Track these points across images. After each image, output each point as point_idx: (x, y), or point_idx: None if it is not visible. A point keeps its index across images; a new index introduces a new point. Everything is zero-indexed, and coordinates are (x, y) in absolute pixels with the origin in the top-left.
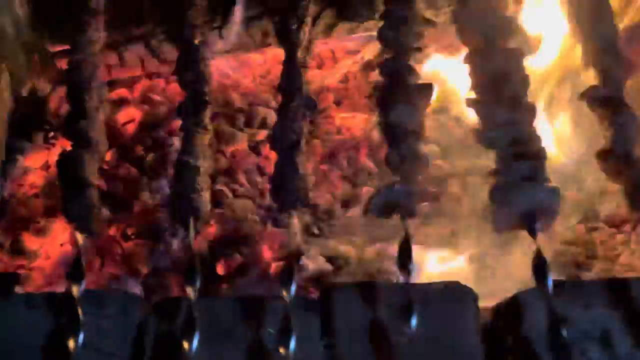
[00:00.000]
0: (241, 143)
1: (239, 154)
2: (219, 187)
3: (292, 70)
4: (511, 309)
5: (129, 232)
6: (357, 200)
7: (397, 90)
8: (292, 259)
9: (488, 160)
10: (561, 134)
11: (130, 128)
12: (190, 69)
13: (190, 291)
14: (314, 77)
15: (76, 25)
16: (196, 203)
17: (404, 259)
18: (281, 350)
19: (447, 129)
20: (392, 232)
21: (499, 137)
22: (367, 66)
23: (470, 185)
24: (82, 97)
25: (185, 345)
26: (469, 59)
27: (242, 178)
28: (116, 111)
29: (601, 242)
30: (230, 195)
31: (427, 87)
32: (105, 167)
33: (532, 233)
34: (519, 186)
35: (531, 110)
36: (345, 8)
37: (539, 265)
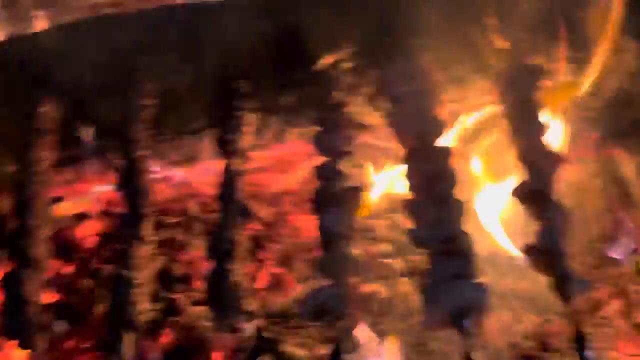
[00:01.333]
0: (197, 250)
1: (195, 261)
2: (175, 295)
3: (228, 179)
4: None
5: (85, 345)
6: None
7: (328, 195)
8: None
9: None
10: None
11: (90, 241)
12: (131, 182)
13: None
14: (273, 182)
15: (21, 146)
16: (130, 316)
17: None
18: None
19: (400, 228)
20: None
21: (429, 236)
22: None
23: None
24: (25, 216)
25: None
26: (404, 160)
27: (199, 285)
28: (76, 225)
29: (555, 334)
30: (186, 302)
31: (355, 190)
32: (65, 279)
33: (461, 331)
34: (448, 284)
35: (459, 208)
36: (293, 115)
37: None
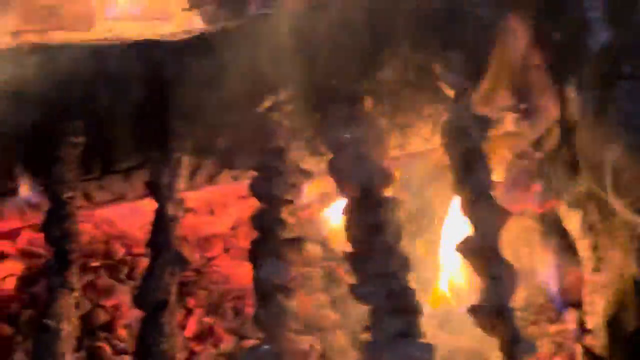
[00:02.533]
0: (123, 296)
1: (120, 307)
2: (97, 343)
3: (161, 225)
4: None
5: None
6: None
7: (267, 244)
8: None
9: None
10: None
11: (9, 283)
12: (57, 225)
13: None
14: (203, 225)
15: None
16: None
17: None
18: None
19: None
20: None
21: (372, 291)
22: None
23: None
24: None
25: None
26: (345, 211)
27: (123, 333)
28: None
29: None
30: (109, 351)
31: (297, 241)
32: None
33: None
34: (392, 342)
35: (404, 262)
36: (227, 159)
37: None
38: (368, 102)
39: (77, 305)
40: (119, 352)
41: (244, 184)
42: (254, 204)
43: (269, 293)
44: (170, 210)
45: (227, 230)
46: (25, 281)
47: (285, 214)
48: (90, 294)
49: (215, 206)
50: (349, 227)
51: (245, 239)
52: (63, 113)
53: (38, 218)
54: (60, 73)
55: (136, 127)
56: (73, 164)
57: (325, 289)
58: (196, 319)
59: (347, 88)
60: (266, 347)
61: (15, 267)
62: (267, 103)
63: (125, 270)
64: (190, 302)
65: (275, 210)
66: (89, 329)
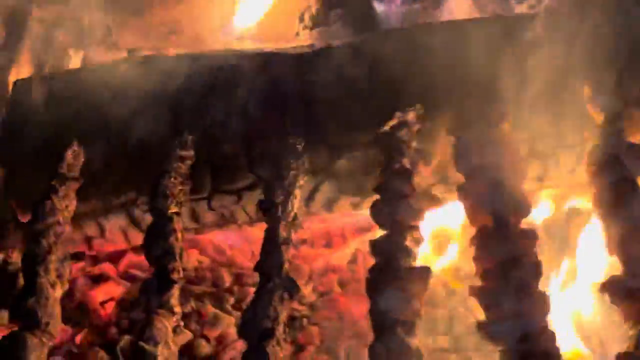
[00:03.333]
0: (228, 327)
1: (225, 340)
2: None
3: (271, 247)
4: None
5: None
6: None
7: (388, 274)
8: None
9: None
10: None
11: (108, 307)
12: (159, 241)
13: None
14: (319, 257)
15: (41, 192)
16: None
17: None
18: None
19: (459, 318)
20: None
21: (506, 332)
22: None
23: None
24: (34, 272)
25: None
26: (475, 241)
27: None
28: (94, 287)
29: None
30: None
31: (424, 271)
32: (74, 349)
33: None
34: None
35: (543, 301)
36: (346, 181)
37: None
38: (506, 127)
39: (175, 330)
40: None
41: (364, 214)
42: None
43: (388, 327)
44: (283, 231)
45: (344, 265)
46: (125, 306)
47: (409, 241)
48: (194, 324)
49: (332, 238)
50: (479, 259)
51: (363, 274)
52: (173, 127)
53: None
54: (173, 85)
55: (250, 144)
56: (180, 178)
57: (447, 332)
58: (307, 358)
59: (485, 108)
60: None
61: (115, 291)
62: (393, 122)
63: (232, 300)
64: (301, 338)
65: (398, 237)
66: None
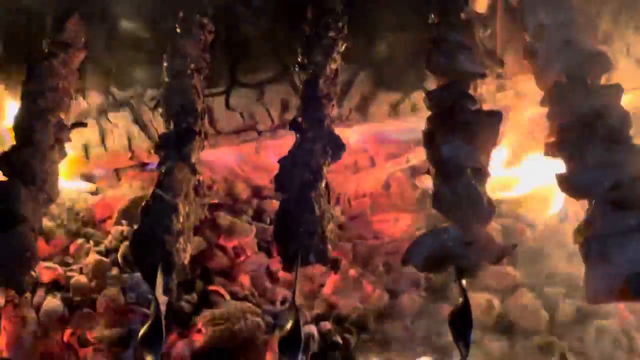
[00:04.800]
0: (246, 237)
1: (243, 252)
2: (213, 288)
3: (311, 100)
4: None
5: (89, 337)
6: (394, 313)
7: (452, 119)
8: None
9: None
10: None
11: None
12: (177, 97)
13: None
14: (349, 182)
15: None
16: (168, 246)
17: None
18: None
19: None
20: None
21: (594, 181)
22: (413, 171)
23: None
24: (31, 127)
25: None
26: (548, 98)
27: (244, 281)
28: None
29: None
30: (227, 297)
31: (494, 116)
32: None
33: None
34: (622, 240)
35: (635, 151)
36: (385, 71)
37: None
38: None
39: (196, 190)
40: (238, 299)
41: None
42: (404, 164)
43: (455, 172)
44: (323, 86)
45: (377, 189)
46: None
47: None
48: (208, 232)
49: (361, 166)
50: (554, 115)
51: (399, 197)
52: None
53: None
54: None
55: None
56: (199, 44)
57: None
58: (341, 271)
59: None
60: (448, 233)
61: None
62: None
63: (250, 212)
64: (334, 253)
65: (460, 86)
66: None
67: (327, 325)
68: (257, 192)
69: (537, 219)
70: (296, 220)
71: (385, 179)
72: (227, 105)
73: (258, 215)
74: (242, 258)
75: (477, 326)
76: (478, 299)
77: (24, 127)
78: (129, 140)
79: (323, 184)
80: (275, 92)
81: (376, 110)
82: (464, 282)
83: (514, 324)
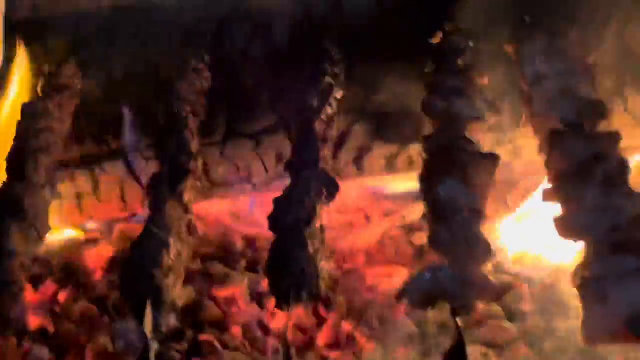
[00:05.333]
0: (239, 288)
1: (236, 303)
2: (204, 337)
3: (306, 142)
4: None
5: None
6: None
7: (449, 161)
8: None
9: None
10: None
11: (97, 268)
12: (172, 139)
13: None
14: (344, 238)
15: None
16: (158, 281)
17: None
18: None
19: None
20: None
21: (592, 223)
22: (409, 228)
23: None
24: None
25: None
26: (547, 145)
27: (236, 331)
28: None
29: None
30: (219, 347)
31: (490, 159)
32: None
33: None
34: (622, 281)
35: (632, 196)
36: (382, 123)
37: None
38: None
39: (189, 229)
40: (230, 350)
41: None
42: (400, 221)
43: (451, 214)
44: (319, 128)
45: (373, 245)
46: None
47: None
48: (200, 282)
49: (355, 224)
50: (553, 162)
51: (394, 252)
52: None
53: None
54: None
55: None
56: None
57: None
58: (334, 324)
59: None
60: (443, 272)
61: (106, 253)
62: (448, 27)
63: (244, 263)
64: (325, 312)
65: (456, 129)
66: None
67: None
68: (250, 243)
69: (535, 275)
70: (289, 257)
71: (380, 236)
72: (222, 155)
73: (251, 267)
74: (234, 309)
75: None
76: (474, 352)
77: (17, 164)
78: (122, 190)
79: (318, 224)
80: (271, 142)
81: (372, 163)
82: (459, 320)
83: None
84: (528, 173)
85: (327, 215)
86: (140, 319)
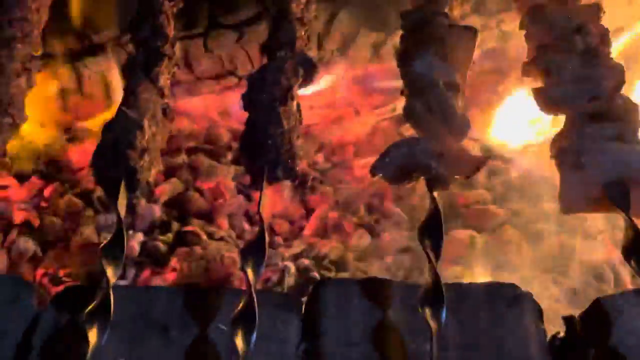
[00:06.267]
0: (225, 179)
1: (221, 195)
2: (189, 228)
3: (282, 22)
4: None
5: (61, 274)
6: (375, 252)
7: (423, 37)
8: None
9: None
10: None
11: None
12: (147, 22)
13: (110, 272)
14: (332, 130)
15: None
16: (132, 162)
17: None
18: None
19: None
20: None
21: (571, 95)
22: (399, 120)
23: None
24: None
25: (92, 336)
26: (527, 19)
27: (222, 223)
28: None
29: None
30: (204, 237)
31: (468, 32)
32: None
33: (623, 206)
34: (601, 148)
35: (613, 67)
36: (367, 10)
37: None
38: None
39: (165, 113)
40: (215, 240)
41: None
42: (390, 113)
43: (427, 86)
44: (297, 9)
45: (362, 136)
46: None
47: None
48: (185, 174)
49: (345, 115)
50: (533, 35)
51: (384, 143)
52: None
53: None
54: None
55: None
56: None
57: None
58: (321, 214)
59: None
60: (419, 144)
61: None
62: None
63: (230, 156)
64: (315, 198)
65: (436, 3)
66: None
67: (305, 261)
68: (237, 136)
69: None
70: (264, 135)
71: (370, 128)
72: (206, 48)
73: (238, 159)
74: (220, 201)
75: (460, 262)
76: (460, 235)
77: None
78: (106, 85)
79: (294, 104)
80: (255, 33)
81: (359, 50)
82: (435, 194)
83: (497, 260)
84: (520, 60)
85: (317, 111)
86: (114, 201)
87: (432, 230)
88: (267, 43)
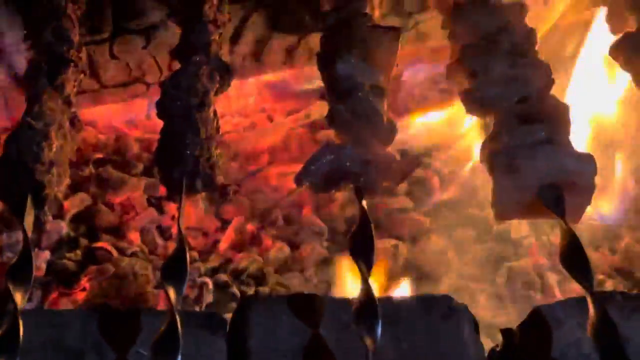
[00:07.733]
0: (135, 192)
1: (132, 209)
2: (99, 244)
3: (195, 25)
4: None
5: None
6: (295, 264)
7: (344, 38)
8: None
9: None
10: None
11: None
12: (50, 27)
13: (18, 296)
14: (246, 139)
15: None
16: (39, 176)
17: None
18: None
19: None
20: None
21: (500, 95)
22: (313, 125)
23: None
24: None
25: None
26: (451, 20)
27: (133, 237)
28: None
29: None
30: (115, 253)
31: (392, 32)
32: None
33: (558, 212)
34: (533, 151)
35: (541, 67)
36: (281, 13)
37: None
38: None
39: (73, 122)
40: (127, 256)
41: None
42: (304, 119)
43: (351, 90)
44: (210, 11)
45: (276, 144)
46: None
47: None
48: (93, 188)
49: (258, 122)
50: (457, 35)
51: (299, 150)
52: None
53: None
54: None
55: None
56: None
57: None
58: (237, 226)
59: None
60: (345, 151)
61: None
62: None
63: (141, 167)
64: (230, 209)
65: (357, 3)
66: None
67: (223, 277)
68: (146, 146)
69: (446, 168)
70: (181, 144)
71: (284, 135)
72: (112, 54)
73: (148, 171)
74: (130, 214)
75: (384, 273)
76: (384, 244)
77: None
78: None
79: (211, 111)
80: (163, 38)
81: (273, 55)
82: (364, 202)
83: (422, 269)
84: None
85: (228, 118)
86: (20, 218)
87: (362, 241)
88: (179, 47)
